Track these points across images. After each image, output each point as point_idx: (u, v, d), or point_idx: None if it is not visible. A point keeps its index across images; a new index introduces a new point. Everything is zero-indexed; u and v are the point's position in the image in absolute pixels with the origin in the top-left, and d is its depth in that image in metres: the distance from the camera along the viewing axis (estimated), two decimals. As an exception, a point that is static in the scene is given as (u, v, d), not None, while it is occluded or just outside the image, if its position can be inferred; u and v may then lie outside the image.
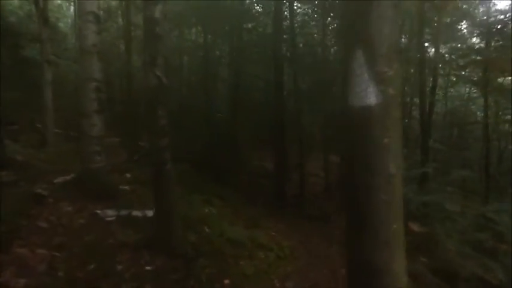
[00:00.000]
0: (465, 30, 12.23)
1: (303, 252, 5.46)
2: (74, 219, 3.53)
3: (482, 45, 10.61)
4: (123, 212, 3.85)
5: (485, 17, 9.92)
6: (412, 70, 13.18)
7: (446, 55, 11.38)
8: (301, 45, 11.55)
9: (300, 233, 6.92)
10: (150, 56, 2.95)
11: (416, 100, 15.37)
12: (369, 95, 1.53)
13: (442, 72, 11.04)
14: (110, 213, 3.70)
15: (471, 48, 10.22)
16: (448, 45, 12.61)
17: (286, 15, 10.50)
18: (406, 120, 14.08)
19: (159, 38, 2.90)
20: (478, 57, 8.82)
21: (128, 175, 6.91)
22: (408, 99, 14.65)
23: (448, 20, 10.51)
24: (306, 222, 8.66)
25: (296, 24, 10.74)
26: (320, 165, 13.24)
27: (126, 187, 6.15)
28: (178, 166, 7.75)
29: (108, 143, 9.34)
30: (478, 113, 15.32)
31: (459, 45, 12.31)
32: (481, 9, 11.00)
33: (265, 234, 5.81)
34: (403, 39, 11.93)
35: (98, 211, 3.68)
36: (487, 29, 8.92)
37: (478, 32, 10.34)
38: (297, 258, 5.05)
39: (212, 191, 7.37)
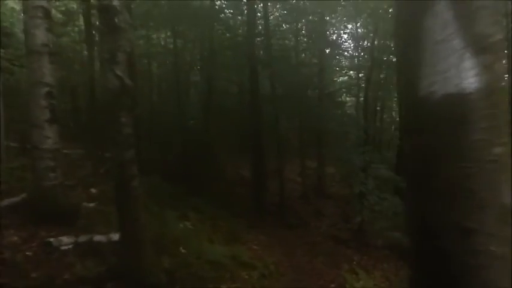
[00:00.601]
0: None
1: (288, 266, 5.10)
2: (20, 252, 2.93)
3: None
4: (83, 238, 3.28)
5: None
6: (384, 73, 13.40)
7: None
8: (274, 48, 11.34)
9: (283, 244, 6.57)
10: (109, 53, 2.46)
11: (389, 103, 15.69)
12: (463, 75, 0.93)
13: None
14: (66, 241, 3.12)
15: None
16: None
17: (259, 18, 10.26)
18: (378, 124, 14.32)
19: (119, 31, 2.42)
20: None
21: (94, 190, 6.27)
22: (379, 103, 14.93)
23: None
24: (287, 231, 8.35)
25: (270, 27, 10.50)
26: (295, 170, 13.04)
27: (91, 204, 5.52)
28: (148, 178, 7.20)
29: (72, 156, 8.56)
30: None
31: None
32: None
33: (246, 249, 5.39)
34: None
35: (51, 239, 3.09)
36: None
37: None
38: (282, 274, 4.67)
39: (187, 203, 6.86)
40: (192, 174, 9.13)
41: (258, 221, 8.33)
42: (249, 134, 10.06)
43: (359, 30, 13.56)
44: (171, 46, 11.27)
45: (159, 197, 6.33)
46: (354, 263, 6.16)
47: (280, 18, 12.11)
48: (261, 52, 10.18)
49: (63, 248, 3.06)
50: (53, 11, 11.94)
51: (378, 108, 14.87)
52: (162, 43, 12.82)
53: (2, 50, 10.44)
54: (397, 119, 14.42)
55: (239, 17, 11.51)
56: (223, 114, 11.30)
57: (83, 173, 7.47)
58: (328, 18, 12.17)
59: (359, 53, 13.99)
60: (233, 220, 7.12)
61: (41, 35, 3.67)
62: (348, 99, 17.14)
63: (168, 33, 11.73)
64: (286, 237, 7.48)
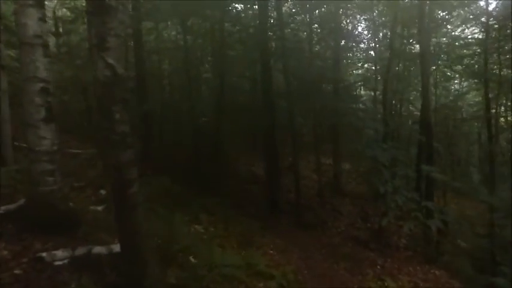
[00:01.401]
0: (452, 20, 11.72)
1: (308, 274, 4.67)
2: (8, 268, 2.61)
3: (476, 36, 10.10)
4: (80, 251, 2.94)
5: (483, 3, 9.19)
6: (401, 64, 12.72)
7: (433, 48, 10.82)
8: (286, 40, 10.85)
9: (300, 248, 6.14)
10: (98, 37, 2.07)
11: (407, 96, 14.96)
12: None
13: (435, 67, 10.54)
14: (60, 255, 2.79)
15: (467, 39, 9.68)
16: (438, 38, 12.14)
17: (270, 10, 9.79)
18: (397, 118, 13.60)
19: (110, 11, 2.03)
20: (476, 48, 8.28)
21: (103, 191, 6.00)
22: (397, 96, 14.19)
23: (440, 12, 10.01)
24: (304, 232, 7.93)
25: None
26: (310, 166, 12.55)
27: (98, 207, 5.24)
28: (158, 178, 6.89)
29: (83, 155, 8.32)
30: (463, 109, 14.90)
31: (445, 39, 11.86)
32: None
33: (262, 254, 5.00)
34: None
35: (43, 254, 2.75)
36: (486, 17, 8.29)
37: (475, 21, 9.72)
38: (302, 283, 4.24)
39: (198, 204, 6.52)
40: (203, 173, 8.81)
41: (273, 221, 7.94)
42: (262, 131, 9.65)
43: (376, 20, 12.88)
44: (182, 42, 10.92)
45: (168, 199, 6.01)
46: (378, 267, 5.69)
47: (293, 10, 11.58)
48: (273, 45, 9.72)
49: (57, 263, 2.73)
50: (62, 9, 11.76)
51: (394, 102, 14.17)
52: (173, 39, 12.49)
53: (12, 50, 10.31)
54: (416, 113, 13.68)
55: (250, 12, 11.07)
56: (236, 110, 10.91)
57: (93, 173, 7.24)
58: (341, 10, 11.58)
59: (375, 45, 13.32)
60: (247, 221, 6.74)
61: (33, 25, 3.33)
62: (363, 92, 16.49)
63: (179, 29, 11.38)
64: (304, 239, 7.05)
